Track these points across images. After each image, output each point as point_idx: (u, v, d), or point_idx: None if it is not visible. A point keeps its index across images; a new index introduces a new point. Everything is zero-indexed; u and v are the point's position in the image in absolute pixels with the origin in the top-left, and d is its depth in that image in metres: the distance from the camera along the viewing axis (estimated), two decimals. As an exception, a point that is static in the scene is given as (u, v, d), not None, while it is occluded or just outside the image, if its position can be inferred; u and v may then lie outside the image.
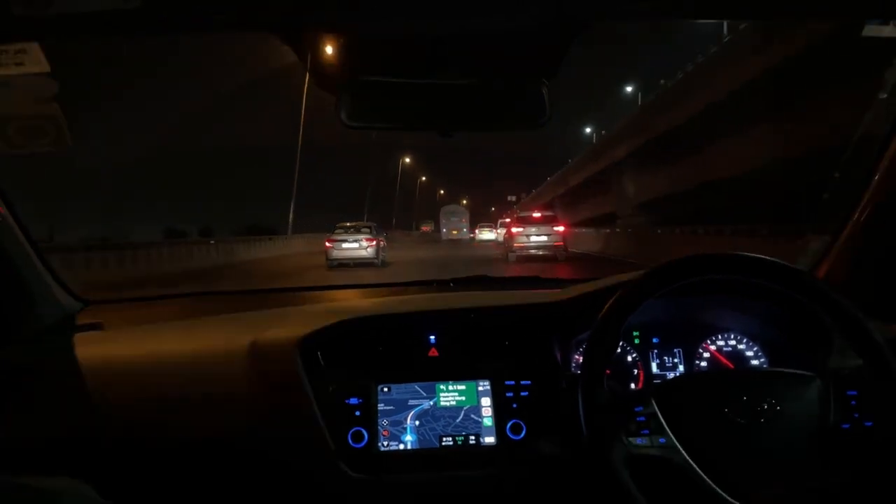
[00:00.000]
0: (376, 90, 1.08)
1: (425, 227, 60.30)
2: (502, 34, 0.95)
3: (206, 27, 0.88)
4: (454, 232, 44.09)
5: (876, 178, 1.30)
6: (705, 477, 0.98)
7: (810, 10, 1.00)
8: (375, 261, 16.66)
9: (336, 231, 17.28)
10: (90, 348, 1.29)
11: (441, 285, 1.78)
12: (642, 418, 1.05)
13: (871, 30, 1.13)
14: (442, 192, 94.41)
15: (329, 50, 1.00)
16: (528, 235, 16.99)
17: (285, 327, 1.32)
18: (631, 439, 1.03)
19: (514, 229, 17.65)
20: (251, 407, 1.22)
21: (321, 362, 1.29)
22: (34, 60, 1.12)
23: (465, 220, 46.32)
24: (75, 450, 1.18)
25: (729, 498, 0.96)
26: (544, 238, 16.85)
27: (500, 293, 1.54)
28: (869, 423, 1.03)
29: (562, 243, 16.93)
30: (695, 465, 0.99)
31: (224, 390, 1.24)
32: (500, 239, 34.09)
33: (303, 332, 1.28)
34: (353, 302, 1.62)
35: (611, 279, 1.39)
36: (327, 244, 16.82)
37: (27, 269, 1.32)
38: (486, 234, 36.54)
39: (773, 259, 1.08)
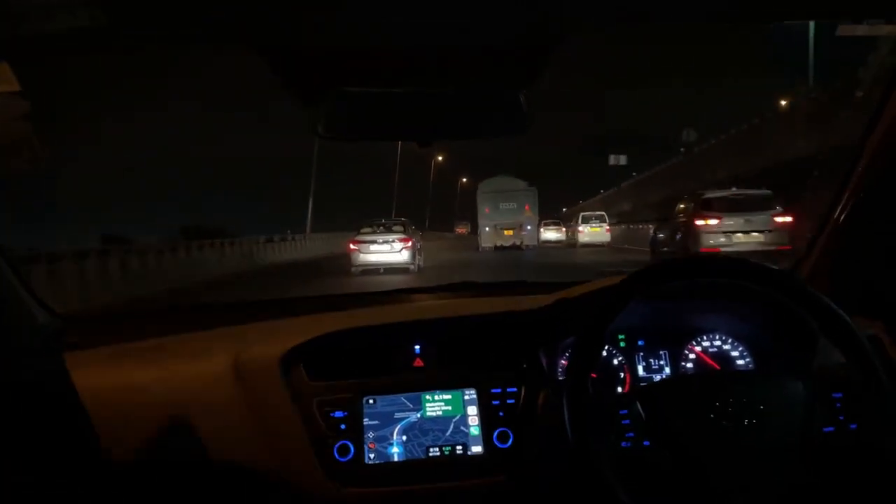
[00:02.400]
0: (353, 101, 1.04)
1: (461, 229, 54.36)
2: (481, 44, 0.94)
3: (175, 42, 0.90)
4: (506, 233, 24.24)
5: (854, 176, 1.31)
6: (690, 479, 1.01)
7: (786, 12, 0.98)
8: (411, 265, 13.66)
9: (362, 231, 14.30)
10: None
11: (426, 292, 1.76)
12: (627, 421, 1.08)
13: (846, 29, 0.85)
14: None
15: (303, 63, 0.96)
16: (729, 231, 9.98)
17: (269, 342, 1.30)
18: (616, 442, 1.10)
19: (702, 221, 10.19)
20: (234, 425, 1.21)
21: (305, 376, 1.28)
22: (4, 79, 1.11)
23: (528, 211, 25.04)
24: (46, 476, 1.10)
25: (713, 500, 0.98)
26: (761, 235, 9.89)
27: (486, 300, 1.54)
28: (853, 426, 1.09)
29: (788, 247, 9.51)
30: (679, 468, 1.02)
31: (205, 411, 1.21)
32: (565, 238, 28.39)
33: (284, 347, 1.28)
34: (337, 312, 1.47)
35: (595, 283, 1.40)
36: (351, 246, 13.86)
37: None
38: (551, 234, 28.59)
39: (754, 261, 1.10)
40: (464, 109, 1.09)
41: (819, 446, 1.03)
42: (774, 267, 1.08)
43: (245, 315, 1.52)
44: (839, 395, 1.09)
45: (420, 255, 14.35)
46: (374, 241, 13.73)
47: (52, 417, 1.07)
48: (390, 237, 13.72)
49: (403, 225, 14.48)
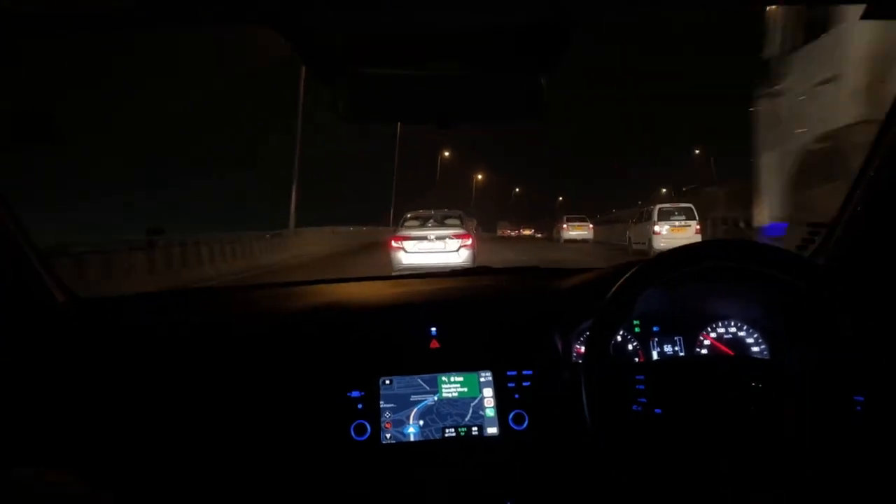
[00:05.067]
0: (374, 83, 1.07)
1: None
2: (501, 27, 0.94)
3: (196, 20, 0.90)
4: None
5: (873, 166, 1.29)
6: (695, 457, 1.02)
7: None
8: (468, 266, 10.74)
9: (406, 223, 11.38)
10: (80, 346, 1.31)
11: (442, 276, 1.76)
12: (641, 387, 1.10)
13: None
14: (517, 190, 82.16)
15: (324, 42, 0.98)
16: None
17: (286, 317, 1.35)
18: (628, 406, 1.09)
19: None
20: (250, 402, 1.23)
21: (323, 355, 1.29)
22: None
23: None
24: (66, 443, 1.19)
25: (718, 483, 1.00)
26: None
27: (501, 284, 1.58)
28: (864, 415, 1.04)
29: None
30: (687, 442, 1.04)
31: (220, 387, 1.25)
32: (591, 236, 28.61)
33: (303, 327, 1.32)
34: (353, 295, 1.53)
35: (610, 268, 1.40)
36: (394, 244, 10.92)
37: (18, 261, 1.30)
38: (576, 233, 28.47)
39: (778, 248, 1.10)
40: (484, 92, 1.09)
41: (829, 439, 1.02)
42: (799, 254, 1.12)
43: (260, 293, 1.58)
44: (860, 397, 1.04)
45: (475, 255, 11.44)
46: (424, 238, 10.81)
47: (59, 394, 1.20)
48: (445, 232, 10.81)
49: (459, 218, 11.53)
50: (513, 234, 47.97)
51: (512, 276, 1.69)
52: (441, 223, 11.21)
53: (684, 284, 1.32)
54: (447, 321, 1.34)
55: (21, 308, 1.30)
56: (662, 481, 1.02)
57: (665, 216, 16.30)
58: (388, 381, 1.27)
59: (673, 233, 15.77)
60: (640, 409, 1.08)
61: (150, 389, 1.24)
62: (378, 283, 1.69)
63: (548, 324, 1.32)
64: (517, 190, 78.01)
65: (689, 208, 16.38)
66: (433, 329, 1.34)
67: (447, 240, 10.76)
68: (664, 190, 39.89)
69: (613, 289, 1.10)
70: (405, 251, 10.80)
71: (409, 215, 11.67)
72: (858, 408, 1.03)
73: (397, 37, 0.96)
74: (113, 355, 1.28)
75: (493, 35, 0.95)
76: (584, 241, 28.15)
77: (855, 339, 1.01)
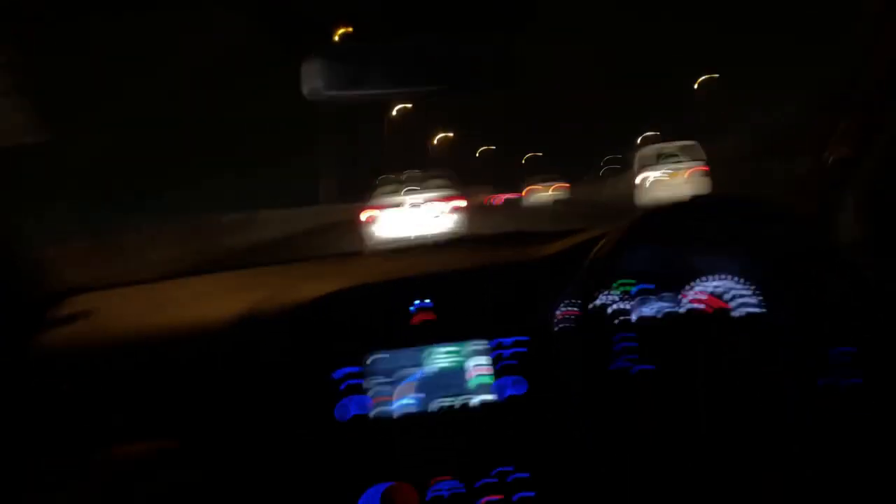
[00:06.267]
0: (349, 56, 1.07)
1: None
2: None
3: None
4: None
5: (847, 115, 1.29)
6: (680, 413, 1.02)
7: None
8: (463, 233, 8.55)
9: (381, 189, 9.07)
10: (68, 331, 1.29)
11: (424, 248, 1.77)
12: (633, 344, 1.10)
13: None
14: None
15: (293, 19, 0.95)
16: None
17: (273, 296, 1.29)
18: (605, 364, 1.09)
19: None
20: (229, 390, 1.20)
21: (306, 332, 1.25)
22: None
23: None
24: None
25: (701, 439, 1.00)
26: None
27: (488, 251, 1.55)
28: (858, 380, 1.04)
29: None
30: (674, 398, 1.04)
31: (196, 376, 1.22)
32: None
33: (288, 300, 1.28)
34: (333, 270, 1.55)
35: (596, 231, 1.41)
36: (365, 215, 8.63)
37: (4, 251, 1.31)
38: (540, 196, 24.58)
39: (771, 202, 1.11)
40: (458, 60, 1.09)
41: (817, 400, 1.03)
42: (785, 208, 1.13)
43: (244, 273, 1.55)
44: (846, 349, 1.06)
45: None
46: (403, 204, 8.54)
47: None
48: (431, 194, 8.57)
49: (446, 178, 9.28)
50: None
51: (498, 242, 1.67)
52: (425, 184, 8.96)
53: (674, 240, 1.25)
54: (435, 292, 1.30)
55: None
56: (648, 442, 1.01)
57: (653, 162, 12.12)
58: (378, 356, 1.23)
59: (673, 178, 11.81)
60: (629, 364, 1.09)
61: (126, 378, 1.21)
62: (360, 258, 1.75)
63: (536, 289, 1.29)
64: (483, 148, 70.62)
65: (692, 146, 12.21)
66: (421, 301, 1.29)
67: (434, 204, 8.53)
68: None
69: (594, 251, 1.11)
70: (381, 221, 8.53)
71: (381, 178, 9.36)
72: (848, 358, 1.06)
73: (367, 7, 0.77)
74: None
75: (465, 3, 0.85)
76: (560, 200, 24.08)
77: (847, 290, 1.05)
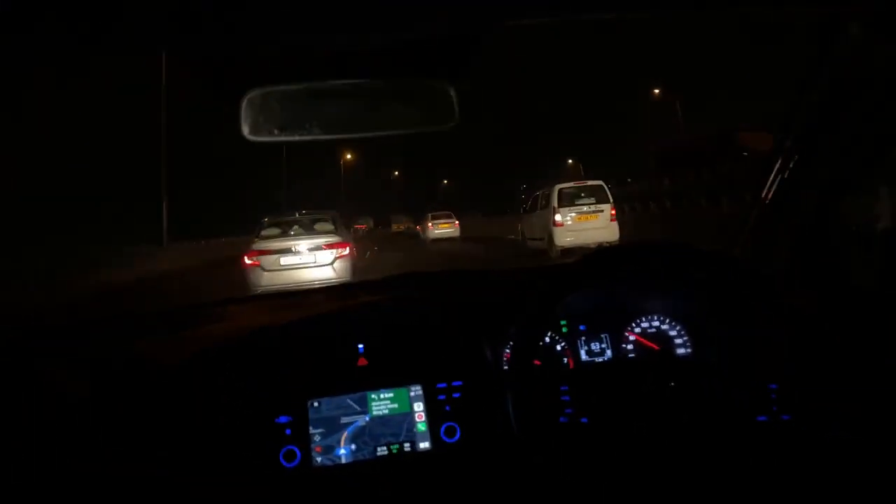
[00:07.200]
0: (282, 100, 1.06)
1: (397, 225, 47.02)
2: (409, 41, 0.94)
3: (92, 45, 0.89)
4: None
5: (779, 158, 1.35)
6: (623, 457, 1.03)
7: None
8: (345, 281, 8.37)
9: (266, 231, 8.80)
10: None
11: (367, 287, 1.72)
12: (566, 398, 1.13)
13: None
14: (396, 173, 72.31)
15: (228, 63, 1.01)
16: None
17: (206, 342, 1.29)
18: (556, 417, 1.12)
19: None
20: (172, 433, 1.18)
21: (245, 379, 1.23)
22: None
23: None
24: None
25: (644, 478, 1.00)
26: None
27: (427, 292, 1.53)
28: (786, 417, 1.09)
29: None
30: (614, 445, 1.05)
31: (141, 417, 1.17)
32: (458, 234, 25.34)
33: (220, 349, 1.26)
34: (274, 313, 1.46)
35: (536, 270, 1.46)
36: (248, 260, 8.34)
37: None
38: (441, 231, 25.12)
39: (696, 246, 1.14)
40: (395, 102, 1.10)
41: (752, 435, 1.06)
42: (715, 251, 1.18)
43: (175, 321, 1.46)
44: (774, 385, 1.11)
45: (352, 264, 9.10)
46: (286, 250, 8.32)
47: None
48: (314, 241, 8.39)
49: (331, 220, 9.12)
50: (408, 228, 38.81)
51: (438, 282, 1.64)
52: (309, 229, 8.76)
53: (609, 283, 1.33)
54: (374, 336, 1.31)
55: None
56: (593, 488, 1.02)
57: (568, 200, 12.08)
58: (316, 404, 1.23)
59: (580, 221, 11.93)
60: (566, 420, 1.10)
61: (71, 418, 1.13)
62: (300, 299, 1.69)
63: (475, 332, 1.30)
64: (396, 173, 70.86)
65: (600, 186, 12.35)
66: (360, 345, 1.30)
67: (317, 251, 8.34)
68: (570, 161, 34.05)
69: (537, 295, 1.10)
70: (264, 268, 8.25)
71: (266, 220, 9.08)
72: (773, 395, 1.10)
73: (304, 55, 0.94)
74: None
75: (401, 45, 0.93)
76: (450, 238, 24.57)
77: (772, 327, 1.11)
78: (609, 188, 12.58)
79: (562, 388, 1.12)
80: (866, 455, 0.99)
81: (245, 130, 1.04)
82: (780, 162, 1.32)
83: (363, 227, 45.90)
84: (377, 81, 1.07)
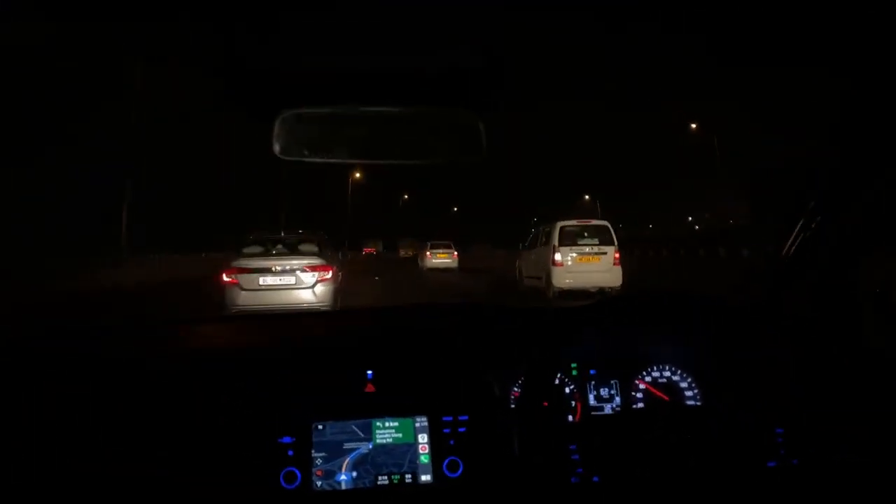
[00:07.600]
0: (313, 122, 1.08)
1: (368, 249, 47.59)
2: (439, 71, 0.81)
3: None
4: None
5: (803, 215, 1.36)
6: None
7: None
8: (326, 307, 7.91)
9: (248, 249, 8.39)
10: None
11: (378, 316, 1.72)
12: (576, 456, 1.09)
13: None
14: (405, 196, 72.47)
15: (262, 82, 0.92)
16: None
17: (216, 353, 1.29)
18: (567, 478, 1.07)
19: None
20: (175, 446, 1.16)
21: (253, 397, 1.22)
22: None
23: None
24: None
25: None
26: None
27: (440, 323, 1.53)
28: (795, 461, 1.09)
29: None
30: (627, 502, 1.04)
31: (144, 430, 1.17)
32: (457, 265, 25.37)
33: (233, 366, 1.26)
34: (285, 333, 1.49)
35: (552, 311, 1.42)
36: (226, 278, 7.93)
37: None
38: (439, 261, 25.04)
39: (714, 295, 1.19)
40: (422, 132, 1.10)
41: (761, 481, 1.06)
42: (713, 296, 1.23)
43: (183, 332, 1.46)
44: (780, 430, 1.11)
45: (341, 290, 8.66)
46: (267, 270, 7.91)
47: None
48: (295, 262, 7.97)
49: (317, 242, 8.72)
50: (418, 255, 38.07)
51: (451, 314, 1.65)
52: (293, 250, 8.36)
53: (620, 327, 1.33)
54: (383, 364, 1.30)
55: None
56: None
57: (570, 239, 11.32)
58: (320, 427, 1.22)
59: (581, 263, 11.22)
60: (578, 480, 1.08)
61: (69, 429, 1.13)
62: (313, 320, 1.70)
63: (485, 367, 1.29)
64: (406, 196, 69.98)
65: (605, 227, 11.66)
66: (369, 372, 1.29)
67: (300, 273, 7.92)
68: (587, 197, 34.11)
69: (548, 338, 1.12)
70: (241, 288, 7.83)
71: (251, 237, 8.69)
72: (780, 439, 1.10)
73: (337, 78, 0.81)
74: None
75: (430, 76, 0.84)
76: (448, 269, 24.42)
77: (777, 347, 1.15)
78: (617, 228, 12.03)
79: (570, 446, 1.10)
80: (875, 482, 1.01)
81: (276, 149, 1.06)
82: (803, 219, 1.32)
83: (372, 250, 45.51)
84: (408, 109, 1.08)
